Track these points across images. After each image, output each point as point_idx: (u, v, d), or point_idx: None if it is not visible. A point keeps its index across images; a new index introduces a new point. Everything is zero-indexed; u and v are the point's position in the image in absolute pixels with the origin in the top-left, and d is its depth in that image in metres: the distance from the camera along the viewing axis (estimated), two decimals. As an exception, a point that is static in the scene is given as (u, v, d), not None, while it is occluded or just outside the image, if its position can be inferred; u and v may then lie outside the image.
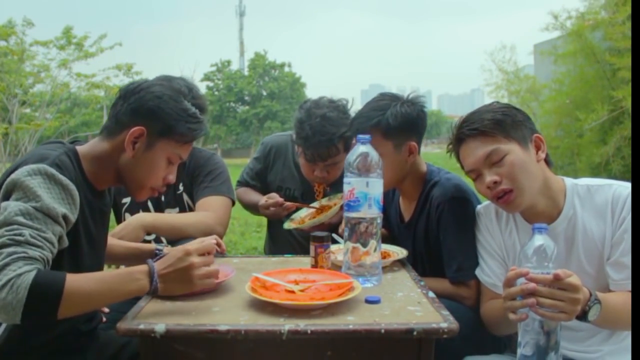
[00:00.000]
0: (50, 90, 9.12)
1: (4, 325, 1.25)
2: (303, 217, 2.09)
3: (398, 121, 1.70)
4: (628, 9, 5.81)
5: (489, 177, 1.40)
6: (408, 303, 1.31)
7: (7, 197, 1.18)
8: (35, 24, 8.91)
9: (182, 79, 2.02)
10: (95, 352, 1.47)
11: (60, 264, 1.22)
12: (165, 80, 1.39)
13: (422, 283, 1.50)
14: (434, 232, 1.71)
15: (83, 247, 1.31)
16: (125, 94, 1.36)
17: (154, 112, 1.33)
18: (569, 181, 1.44)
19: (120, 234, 1.75)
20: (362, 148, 1.46)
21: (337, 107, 2.05)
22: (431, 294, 1.38)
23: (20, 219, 1.12)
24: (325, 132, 1.96)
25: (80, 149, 1.36)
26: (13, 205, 1.14)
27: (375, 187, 1.43)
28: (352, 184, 1.43)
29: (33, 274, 1.05)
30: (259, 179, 2.33)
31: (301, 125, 2.01)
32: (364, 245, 1.44)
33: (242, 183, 2.39)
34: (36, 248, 1.11)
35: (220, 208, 1.94)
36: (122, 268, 1.24)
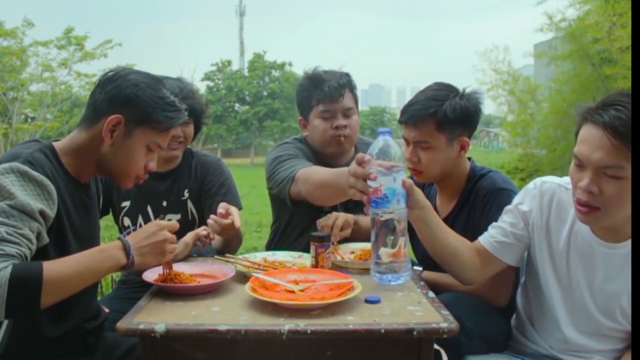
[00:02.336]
0: (50, 90, 9.12)
1: (5, 324, 1.25)
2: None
3: (456, 114, 1.63)
4: (624, 19, 5.81)
5: (590, 184, 1.23)
6: (408, 303, 1.31)
7: None
8: (36, 24, 8.90)
9: (178, 79, 2.01)
10: (103, 353, 1.47)
11: (47, 260, 1.21)
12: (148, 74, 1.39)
13: (422, 283, 1.50)
14: (475, 224, 1.67)
15: (70, 241, 1.30)
16: (103, 82, 1.34)
17: (131, 100, 1.33)
18: None
19: None
20: (383, 142, 1.39)
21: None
22: (431, 294, 1.38)
23: None
24: (335, 73, 2.08)
25: (57, 144, 1.35)
26: None
27: (401, 180, 1.38)
28: (379, 180, 1.35)
29: (9, 269, 1.06)
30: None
31: (310, 77, 2.09)
32: (395, 242, 1.38)
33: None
34: (13, 245, 1.11)
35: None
36: (95, 248, 1.25)
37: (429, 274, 1.69)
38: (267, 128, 33.90)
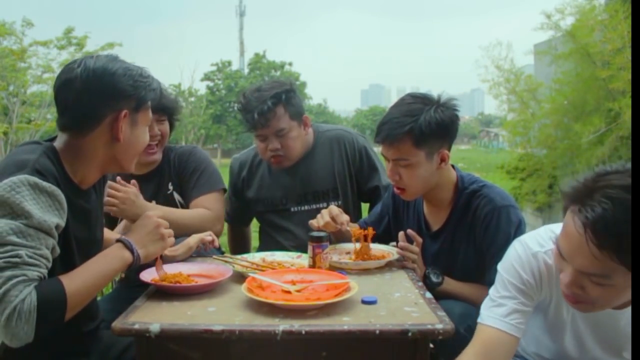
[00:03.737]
0: (50, 91, 9.12)
1: None
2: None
3: (432, 128, 1.59)
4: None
5: (571, 284, 1.10)
6: (405, 304, 1.30)
7: None
8: (36, 24, 8.90)
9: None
10: (99, 353, 1.46)
11: (53, 269, 1.20)
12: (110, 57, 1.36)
13: (420, 284, 1.50)
14: (478, 244, 1.64)
15: (73, 249, 1.29)
16: (86, 86, 1.26)
17: (126, 91, 1.31)
18: None
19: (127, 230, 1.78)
20: None
21: (274, 80, 2.14)
22: (428, 295, 1.37)
23: (14, 238, 1.09)
24: (259, 97, 2.04)
25: (58, 146, 1.30)
26: (3, 224, 1.10)
27: None
28: None
29: (34, 295, 1.07)
30: (239, 207, 2.30)
31: (239, 101, 2.10)
32: None
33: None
34: (34, 268, 1.10)
35: (215, 205, 1.99)
36: (98, 255, 1.27)
37: (450, 285, 1.67)
38: (268, 128, 33.88)
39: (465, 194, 1.70)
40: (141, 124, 1.38)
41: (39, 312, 1.06)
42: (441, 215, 1.75)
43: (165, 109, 2.00)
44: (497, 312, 1.27)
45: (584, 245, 1.02)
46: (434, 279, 1.64)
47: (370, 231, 1.72)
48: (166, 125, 2.03)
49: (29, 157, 1.20)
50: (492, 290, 1.33)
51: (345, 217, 1.77)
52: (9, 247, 1.09)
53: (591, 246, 1.01)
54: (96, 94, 1.27)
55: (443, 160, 1.67)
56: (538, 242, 1.28)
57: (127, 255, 1.28)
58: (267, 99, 2.01)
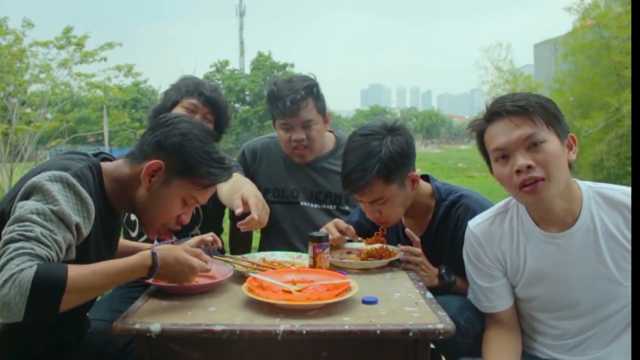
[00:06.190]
0: (50, 90, 9.11)
1: None
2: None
3: (396, 161, 1.59)
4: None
5: (523, 160, 1.29)
6: (405, 304, 1.30)
7: (25, 199, 1.17)
8: (37, 24, 8.88)
9: (207, 78, 2.05)
10: (80, 353, 1.44)
11: None
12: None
13: (421, 284, 1.50)
14: (457, 252, 1.64)
15: (91, 262, 1.25)
16: (155, 126, 1.36)
17: (176, 148, 1.32)
18: (583, 185, 1.38)
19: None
20: None
21: (303, 75, 2.18)
22: (429, 295, 1.37)
23: (35, 217, 1.12)
24: (292, 86, 2.07)
25: (104, 165, 1.36)
26: (30, 204, 1.14)
27: None
28: None
29: (34, 268, 1.04)
30: None
31: (270, 89, 2.12)
32: None
33: None
34: (44, 247, 1.10)
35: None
36: (123, 262, 1.21)
37: (461, 283, 1.66)
38: (268, 128, 33.99)
39: (444, 205, 1.72)
40: (175, 191, 1.34)
41: (34, 287, 1.02)
42: (420, 226, 1.77)
43: (215, 106, 1.97)
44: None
45: (511, 119, 1.33)
46: (449, 278, 1.65)
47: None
48: (210, 127, 1.94)
49: (74, 164, 1.26)
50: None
51: (352, 229, 1.78)
52: (27, 224, 1.11)
53: (515, 113, 1.33)
54: (153, 136, 1.34)
55: (414, 181, 1.68)
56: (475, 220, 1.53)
57: (144, 273, 1.23)
58: (300, 89, 2.05)
